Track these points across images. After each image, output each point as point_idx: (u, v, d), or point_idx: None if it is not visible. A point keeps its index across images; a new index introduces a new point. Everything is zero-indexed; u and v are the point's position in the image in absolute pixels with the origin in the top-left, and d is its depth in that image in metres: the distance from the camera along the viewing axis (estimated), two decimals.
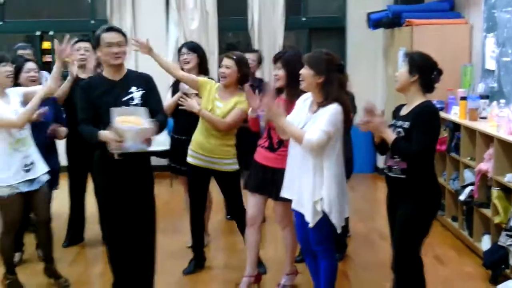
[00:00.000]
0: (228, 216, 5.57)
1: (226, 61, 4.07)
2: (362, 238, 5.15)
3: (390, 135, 3.15)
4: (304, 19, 7.80)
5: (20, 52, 5.60)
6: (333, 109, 3.25)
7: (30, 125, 3.99)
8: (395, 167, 3.23)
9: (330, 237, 3.43)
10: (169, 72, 4.31)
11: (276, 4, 7.46)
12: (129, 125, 3.36)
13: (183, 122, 4.72)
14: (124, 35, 3.61)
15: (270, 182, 3.79)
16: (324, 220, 3.31)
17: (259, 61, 5.62)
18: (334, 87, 3.26)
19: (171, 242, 5.03)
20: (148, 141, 3.46)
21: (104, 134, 3.41)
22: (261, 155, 3.87)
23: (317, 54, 3.36)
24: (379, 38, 7.32)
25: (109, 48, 3.51)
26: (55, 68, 3.90)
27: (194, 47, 4.76)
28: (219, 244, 5.13)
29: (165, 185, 6.71)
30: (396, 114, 3.36)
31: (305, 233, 3.48)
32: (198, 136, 4.22)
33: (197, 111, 4.08)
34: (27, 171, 3.88)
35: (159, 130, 3.55)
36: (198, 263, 4.46)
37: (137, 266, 3.73)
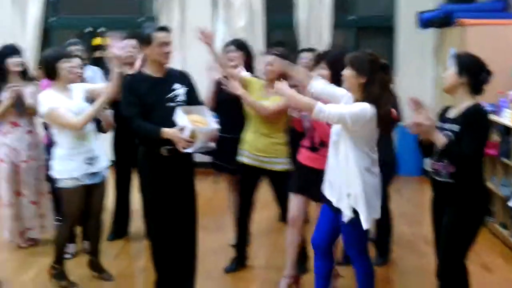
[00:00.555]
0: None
1: (268, 58, 4.07)
2: (407, 243, 5.05)
3: (441, 139, 3.06)
4: (352, 17, 7.71)
5: (71, 48, 5.74)
6: (362, 106, 3.14)
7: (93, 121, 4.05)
8: (443, 171, 3.15)
9: (362, 241, 3.37)
10: (222, 67, 4.32)
11: (323, 2, 7.39)
12: (202, 126, 3.43)
13: (226, 120, 4.70)
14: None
15: (312, 183, 3.75)
16: (356, 221, 3.24)
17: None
18: (375, 88, 3.17)
19: (213, 239, 5.06)
20: (214, 141, 3.52)
21: (171, 132, 3.46)
22: (304, 156, 3.83)
23: (360, 54, 3.29)
24: (429, 38, 7.16)
25: (162, 47, 3.56)
26: (114, 71, 3.92)
27: (241, 45, 4.76)
28: (263, 243, 5.10)
29: (208, 182, 6.72)
30: (442, 116, 3.27)
31: (325, 229, 3.44)
32: (248, 135, 4.22)
33: (239, 94, 4.07)
34: (90, 164, 3.96)
35: None
36: (240, 262, 4.46)
37: (179, 262, 3.76)
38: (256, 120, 4.16)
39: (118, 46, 3.84)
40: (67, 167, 3.92)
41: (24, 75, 4.66)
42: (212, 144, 3.54)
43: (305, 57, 5.18)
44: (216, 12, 7.58)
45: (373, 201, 3.26)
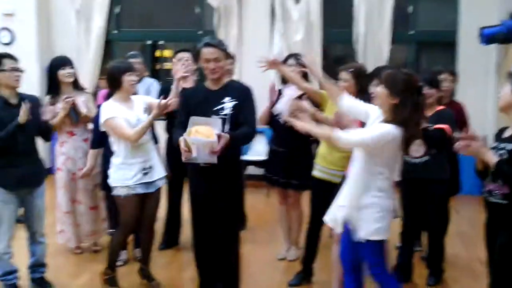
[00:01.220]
0: None
1: (343, 75, 4.00)
2: (462, 264, 4.87)
3: (492, 158, 2.94)
4: (412, 32, 7.56)
5: (131, 60, 5.88)
6: (385, 129, 3.06)
7: (150, 131, 4.13)
8: (496, 191, 3.03)
9: (379, 259, 3.27)
10: (295, 83, 4.31)
11: (383, 17, 7.30)
12: (196, 137, 3.40)
13: (281, 134, 4.72)
14: (222, 49, 3.66)
15: None
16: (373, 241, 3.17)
17: None
18: (407, 110, 3.05)
19: (263, 252, 5.03)
20: (215, 154, 3.44)
21: (179, 142, 3.50)
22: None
23: (396, 73, 3.17)
24: (492, 54, 6.95)
25: (206, 63, 3.61)
26: (174, 88, 4.14)
27: (299, 59, 4.73)
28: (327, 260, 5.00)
29: (260, 195, 6.74)
30: (499, 136, 3.16)
31: (348, 243, 3.35)
32: (321, 149, 4.19)
33: (311, 112, 4.01)
34: (145, 174, 4.02)
35: (244, 141, 3.59)
36: (305, 277, 4.36)
37: (220, 271, 3.76)
38: None
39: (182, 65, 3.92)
40: (123, 176, 4.00)
41: (75, 85, 4.78)
42: (213, 158, 3.46)
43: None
44: (273, 25, 7.61)
45: (379, 221, 3.17)
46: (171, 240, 5.19)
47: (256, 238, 5.48)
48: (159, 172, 4.15)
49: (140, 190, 4.03)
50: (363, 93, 3.98)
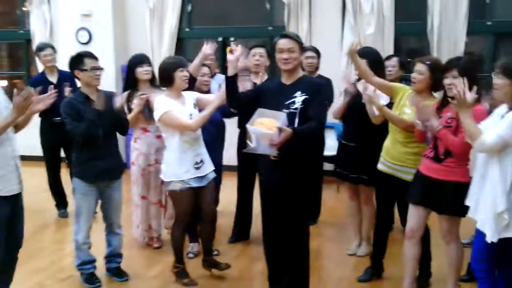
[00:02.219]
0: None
1: (419, 66, 3.90)
2: None
3: None
4: (489, 23, 7.27)
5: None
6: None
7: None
8: None
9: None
10: (365, 77, 4.27)
11: (458, 8, 7.06)
12: (255, 127, 3.41)
13: (352, 129, 4.68)
14: (298, 41, 3.64)
15: (435, 194, 3.59)
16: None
17: None
18: None
19: (332, 247, 5.00)
20: (274, 146, 3.42)
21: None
22: (426, 166, 3.67)
23: (510, 61, 3.09)
24: None
25: (280, 54, 3.61)
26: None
27: (366, 52, 4.66)
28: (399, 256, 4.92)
29: (331, 191, 6.70)
30: None
31: (480, 249, 3.23)
32: (387, 143, 4.15)
33: (379, 107, 3.99)
34: (197, 168, 4.13)
35: (310, 136, 3.55)
36: (375, 272, 4.33)
37: (289, 264, 3.77)
38: (394, 128, 4.06)
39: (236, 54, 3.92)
40: (176, 171, 4.09)
41: (152, 82, 4.89)
42: (272, 150, 3.44)
43: (390, 65, 5.03)
44: (344, 19, 7.52)
45: None
46: (241, 233, 5.24)
47: (325, 233, 5.46)
48: (209, 166, 4.24)
49: (194, 184, 4.11)
50: (436, 88, 3.89)
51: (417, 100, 3.66)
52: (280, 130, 3.37)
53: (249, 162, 4.95)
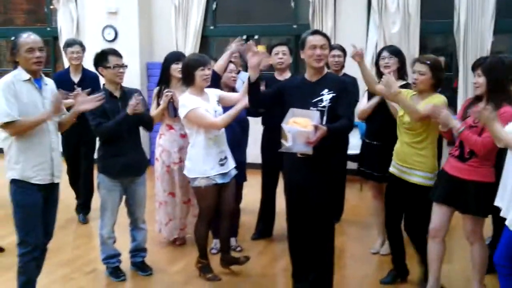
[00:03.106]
0: None
1: (419, 67, 3.84)
2: None
3: None
4: None
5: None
6: None
7: None
8: None
9: None
10: (368, 84, 4.28)
11: (485, 6, 6.97)
12: (291, 126, 3.40)
13: (375, 127, 4.66)
14: (328, 39, 3.66)
15: (459, 193, 3.57)
16: None
17: None
18: None
19: (356, 246, 4.99)
20: (310, 144, 3.41)
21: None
22: (451, 165, 3.65)
23: None
24: None
25: (312, 50, 3.59)
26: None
27: (395, 51, 4.64)
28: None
29: (354, 189, 6.68)
30: None
31: (504, 244, 3.20)
32: (397, 144, 4.11)
33: (394, 92, 3.87)
34: (222, 164, 4.15)
35: (341, 134, 3.52)
36: (398, 275, 4.24)
37: (313, 262, 3.77)
38: (402, 129, 4.01)
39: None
40: (202, 167, 4.12)
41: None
42: (308, 148, 3.42)
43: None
44: (369, 17, 7.49)
45: None
46: (264, 230, 5.26)
47: (349, 232, 5.45)
48: (232, 162, 4.27)
49: (219, 180, 4.14)
50: (438, 86, 3.87)
51: (432, 106, 3.65)
52: (316, 128, 3.38)
53: (273, 160, 4.96)
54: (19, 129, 3.45)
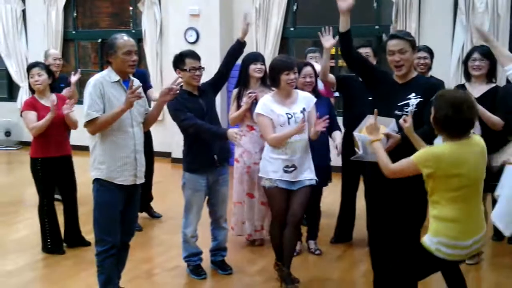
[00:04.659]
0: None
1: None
2: None
3: None
4: None
5: (309, 55, 6.01)
6: None
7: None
8: None
9: None
10: None
11: None
12: (361, 134, 3.32)
13: None
14: (408, 40, 3.51)
15: None
16: None
17: None
18: None
19: None
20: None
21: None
22: None
23: None
24: None
25: (391, 56, 3.51)
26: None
27: (488, 54, 4.46)
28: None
29: None
30: None
31: None
32: None
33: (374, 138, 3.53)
34: (286, 172, 4.04)
35: (424, 141, 3.36)
36: None
37: (395, 267, 3.66)
38: None
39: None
40: (267, 168, 4.10)
41: (263, 81, 4.90)
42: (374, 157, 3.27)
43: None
44: (455, 18, 7.24)
45: None
46: (343, 234, 5.19)
47: None
48: (307, 173, 4.11)
49: (282, 185, 4.06)
50: None
51: None
52: (388, 136, 3.29)
53: (353, 164, 4.87)
54: (99, 126, 3.52)
